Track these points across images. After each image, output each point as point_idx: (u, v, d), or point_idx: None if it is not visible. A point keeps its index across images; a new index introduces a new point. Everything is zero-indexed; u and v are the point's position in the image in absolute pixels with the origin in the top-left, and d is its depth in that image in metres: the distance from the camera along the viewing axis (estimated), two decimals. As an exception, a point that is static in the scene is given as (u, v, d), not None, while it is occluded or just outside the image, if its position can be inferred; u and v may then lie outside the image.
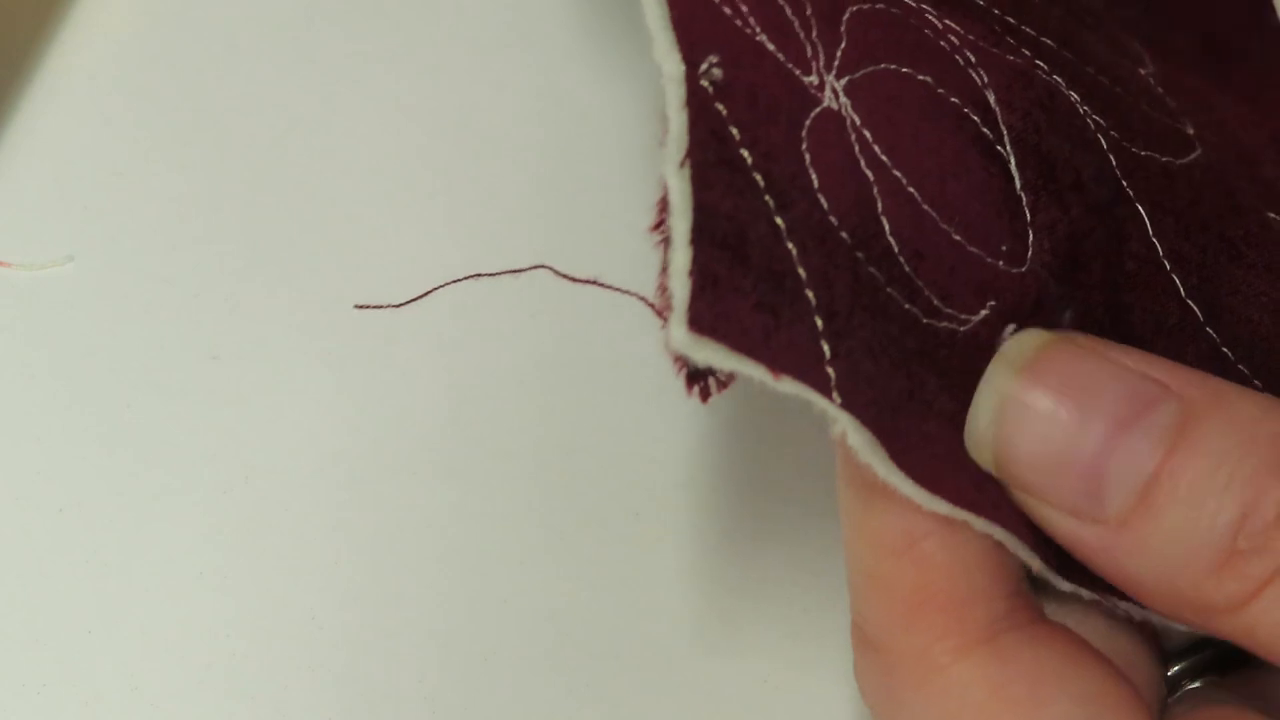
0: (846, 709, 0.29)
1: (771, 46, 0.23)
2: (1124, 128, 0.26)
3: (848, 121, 0.23)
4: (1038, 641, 0.22)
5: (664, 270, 0.21)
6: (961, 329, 0.23)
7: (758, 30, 0.23)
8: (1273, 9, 0.33)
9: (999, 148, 0.24)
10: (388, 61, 0.35)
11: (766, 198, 0.21)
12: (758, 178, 0.22)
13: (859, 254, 0.22)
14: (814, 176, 0.22)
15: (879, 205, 0.23)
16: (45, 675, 0.29)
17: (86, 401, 0.31)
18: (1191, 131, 0.28)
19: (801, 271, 0.21)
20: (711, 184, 0.21)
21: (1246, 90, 0.31)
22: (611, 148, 0.34)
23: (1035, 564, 0.22)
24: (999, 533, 0.22)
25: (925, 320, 0.23)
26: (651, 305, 0.29)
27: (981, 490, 0.22)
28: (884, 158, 0.23)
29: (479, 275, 0.32)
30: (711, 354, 0.20)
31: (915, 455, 0.22)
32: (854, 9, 0.24)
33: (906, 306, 0.22)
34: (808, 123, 0.23)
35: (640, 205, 0.33)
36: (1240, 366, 0.25)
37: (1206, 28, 0.32)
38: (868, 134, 0.23)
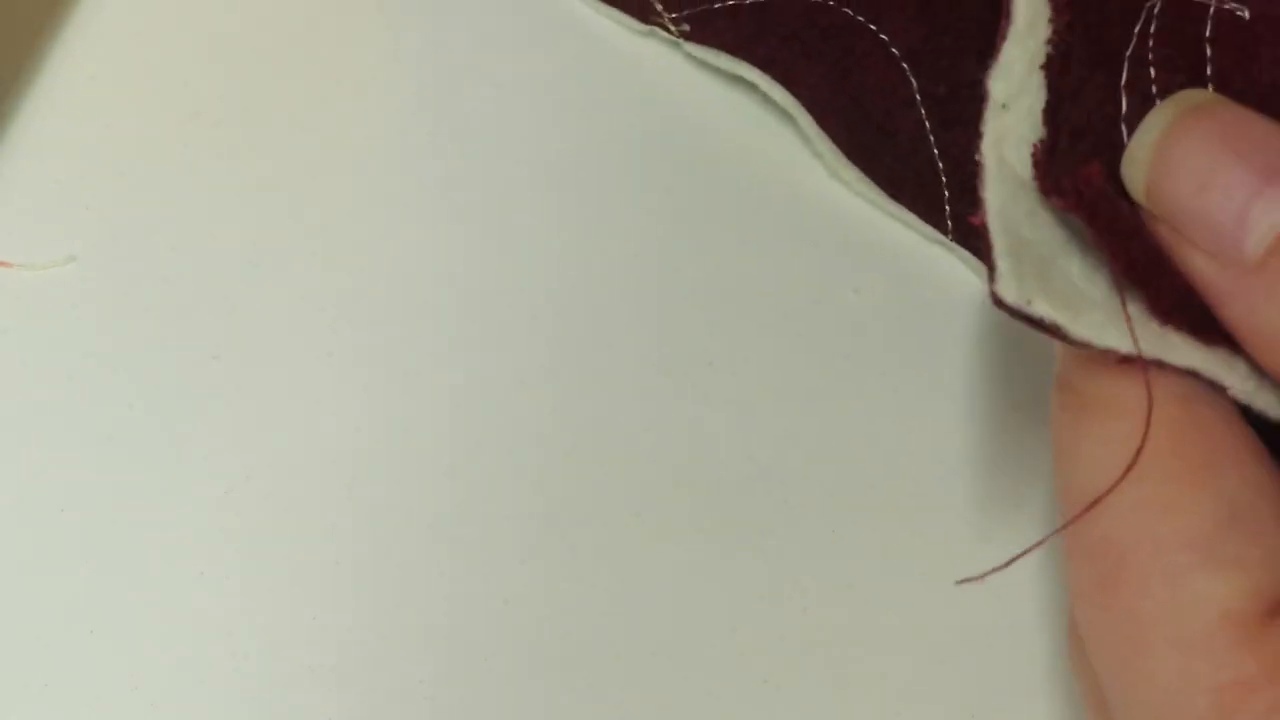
0: (846, 709, 0.29)
1: None
2: None
3: None
4: None
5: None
6: None
7: None
8: None
9: None
10: (390, 61, 0.35)
11: None
12: None
13: None
14: None
15: None
16: (45, 675, 0.29)
17: (87, 401, 0.31)
18: None
19: None
20: None
21: None
22: (617, 149, 0.34)
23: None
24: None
25: None
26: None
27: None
28: None
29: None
30: None
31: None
32: None
33: None
34: None
35: (645, 204, 0.33)
36: None
37: None
38: None
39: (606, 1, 0.35)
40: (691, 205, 0.33)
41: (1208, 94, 0.24)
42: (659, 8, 0.34)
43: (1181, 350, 0.22)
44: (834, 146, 0.33)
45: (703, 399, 0.32)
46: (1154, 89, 0.25)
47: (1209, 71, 0.25)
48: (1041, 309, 0.22)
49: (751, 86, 0.34)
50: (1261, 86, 0.25)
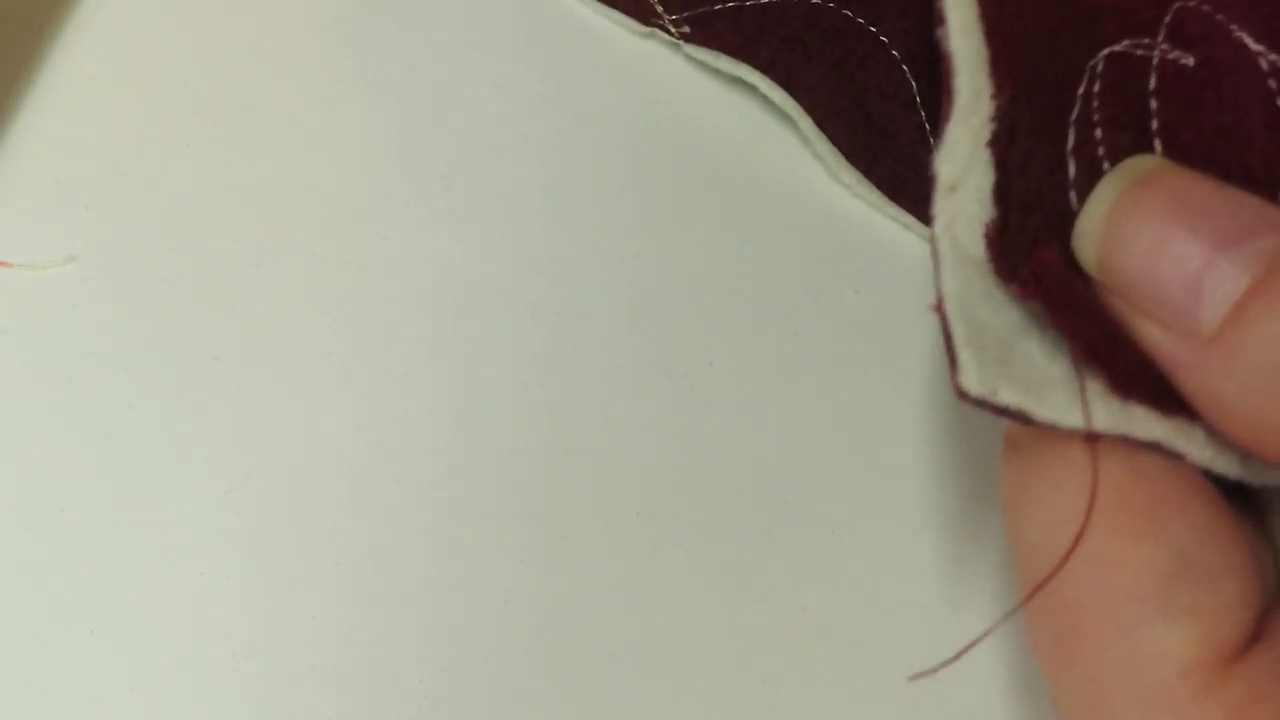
0: (847, 709, 0.29)
1: None
2: None
3: None
4: None
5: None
6: None
7: None
8: None
9: None
10: (389, 61, 0.35)
11: None
12: None
13: None
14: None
15: None
16: (45, 675, 0.29)
17: (88, 401, 0.31)
18: None
19: None
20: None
21: None
22: (618, 150, 0.34)
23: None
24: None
25: None
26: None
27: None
28: None
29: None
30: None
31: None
32: None
33: None
34: None
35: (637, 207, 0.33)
36: None
37: None
38: None
39: (606, 3, 0.35)
40: (692, 206, 0.33)
41: (1155, 161, 0.24)
42: (659, 9, 0.34)
43: (1144, 424, 0.22)
44: (834, 148, 0.33)
45: (703, 399, 0.32)
46: (1100, 151, 0.24)
47: (1155, 126, 0.25)
48: (1007, 397, 0.22)
49: (752, 89, 0.34)
50: (1208, 134, 0.25)
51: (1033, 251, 0.23)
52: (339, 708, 0.29)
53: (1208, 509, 0.22)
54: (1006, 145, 0.23)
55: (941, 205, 0.23)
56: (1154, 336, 0.22)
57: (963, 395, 0.22)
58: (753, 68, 0.33)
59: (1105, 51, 0.25)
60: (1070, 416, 0.22)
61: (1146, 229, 0.22)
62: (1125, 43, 0.25)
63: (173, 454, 0.31)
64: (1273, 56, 0.26)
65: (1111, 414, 0.22)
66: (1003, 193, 0.23)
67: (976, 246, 0.23)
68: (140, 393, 0.31)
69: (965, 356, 0.22)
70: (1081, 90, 0.25)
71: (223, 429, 0.31)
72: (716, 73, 0.34)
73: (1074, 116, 0.24)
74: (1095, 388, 0.22)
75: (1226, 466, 0.23)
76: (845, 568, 0.30)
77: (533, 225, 0.33)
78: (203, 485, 0.30)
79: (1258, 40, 0.26)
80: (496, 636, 0.30)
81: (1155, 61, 0.25)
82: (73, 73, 0.34)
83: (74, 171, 0.33)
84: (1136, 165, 0.23)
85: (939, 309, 0.22)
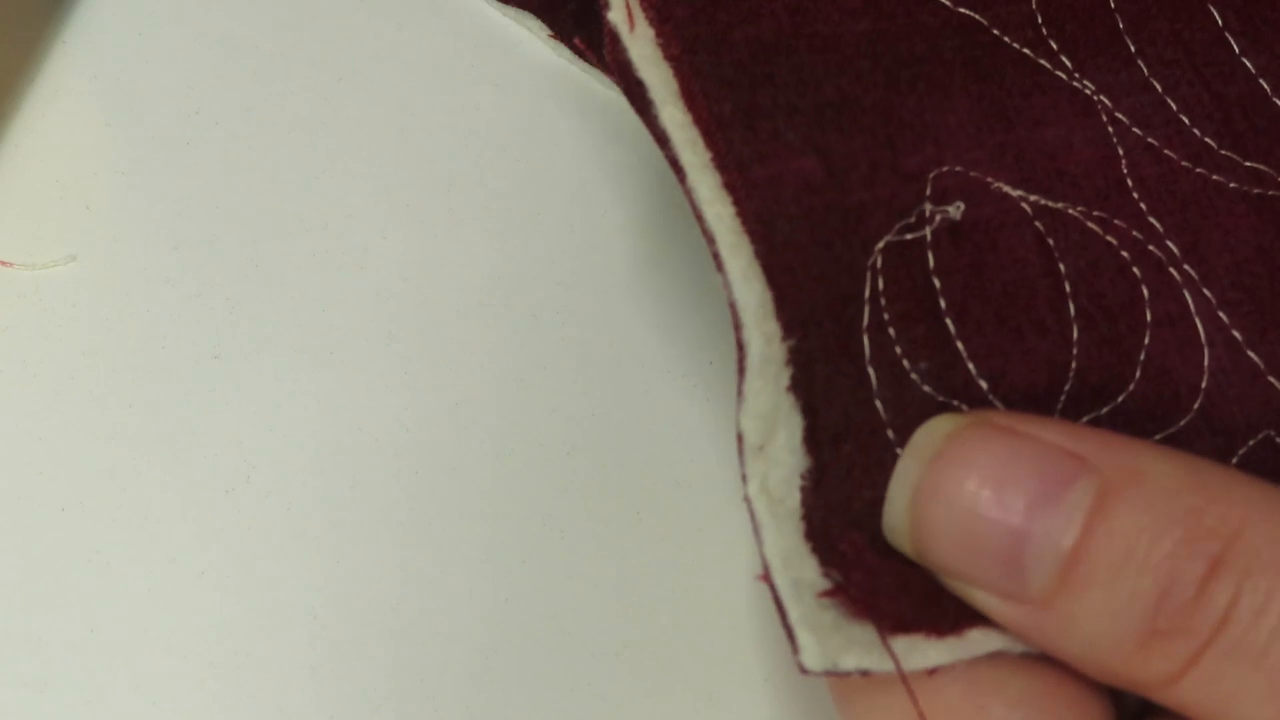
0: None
1: None
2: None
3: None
4: None
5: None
6: None
7: None
8: None
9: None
10: (388, 60, 0.35)
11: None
12: None
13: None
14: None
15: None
16: (45, 675, 0.29)
17: (88, 401, 0.31)
18: None
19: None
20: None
21: None
22: (619, 149, 0.34)
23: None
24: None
25: None
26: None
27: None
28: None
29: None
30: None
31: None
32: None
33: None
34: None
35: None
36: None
37: None
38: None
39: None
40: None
41: (944, 427, 0.23)
42: None
43: (978, 642, 0.22)
44: None
45: (703, 398, 0.32)
46: (898, 350, 0.24)
47: (943, 306, 0.24)
48: (849, 663, 0.21)
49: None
50: (995, 300, 0.24)
51: (845, 533, 0.22)
52: (339, 708, 0.29)
53: (1029, 682, 0.22)
54: (807, 384, 0.23)
55: (752, 466, 0.22)
56: (986, 603, 0.22)
57: (805, 671, 0.21)
58: None
59: (880, 245, 0.24)
60: (910, 660, 0.22)
61: (953, 512, 0.22)
62: (896, 230, 0.24)
63: (174, 453, 0.31)
64: (1032, 198, 0.25)
65: (943, 649, 0.22)
66: (813, 435, 0.23)
67: (793, 498, 0.22)
68: (141, 392, 0.31)
69: (804, 639, 0.21)
70: (867, 293, 0.24)
71: (223, 429, 0.31)
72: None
73: (865, 323, 0.24)
74: (904, 643, 0.22)
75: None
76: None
77: (533, 225, 0.33)
78: (203, 485, 0.30)
79: (1014, 186, 0.25)
80: (496, 636, 0.30)
81: (929, 239, 0.24)
82: (73, 73, 0.34)
83: (74, 171, 0.33)
84: (927, 440, 0.22)
85: (766, 579, 0.22)
